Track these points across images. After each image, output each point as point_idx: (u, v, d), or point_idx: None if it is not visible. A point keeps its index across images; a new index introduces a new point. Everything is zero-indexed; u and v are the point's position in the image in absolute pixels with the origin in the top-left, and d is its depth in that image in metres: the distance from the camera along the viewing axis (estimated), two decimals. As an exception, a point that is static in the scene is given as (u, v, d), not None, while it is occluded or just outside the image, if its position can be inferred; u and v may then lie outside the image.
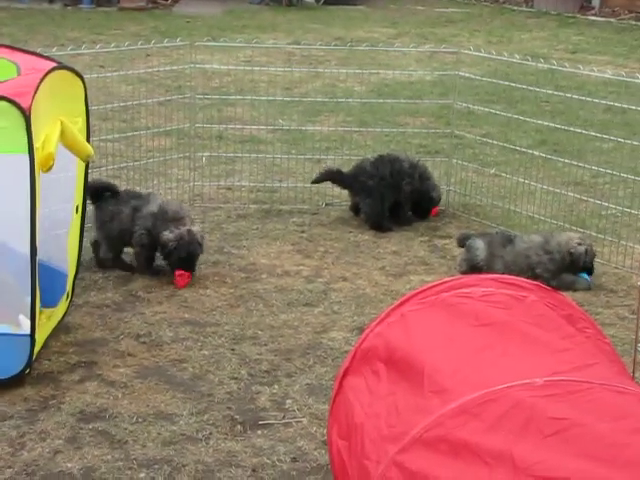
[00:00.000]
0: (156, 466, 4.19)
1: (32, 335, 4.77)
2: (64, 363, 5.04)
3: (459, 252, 6.44)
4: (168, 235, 5.92)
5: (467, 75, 8.13)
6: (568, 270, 6.14)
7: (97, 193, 6.28)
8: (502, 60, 8.61)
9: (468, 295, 3.35)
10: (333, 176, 7.38)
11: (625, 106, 7.94)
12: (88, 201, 5.87)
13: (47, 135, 4.62)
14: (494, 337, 3.16)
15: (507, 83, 8.53)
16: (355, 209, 7.39)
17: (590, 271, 6.21)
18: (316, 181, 7.36)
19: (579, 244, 6.15)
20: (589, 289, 6.13)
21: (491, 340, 3.15)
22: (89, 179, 5.76)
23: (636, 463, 2.49)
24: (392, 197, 7.25)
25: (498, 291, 3.39)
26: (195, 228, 6.11)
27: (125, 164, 7.68)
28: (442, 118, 9.44)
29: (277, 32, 13.91)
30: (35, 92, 4.55)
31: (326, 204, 7.53)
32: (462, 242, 6.49)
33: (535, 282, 3.64)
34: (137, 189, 6.79)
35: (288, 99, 9.58)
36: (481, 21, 15.85)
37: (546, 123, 8.10)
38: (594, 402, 2.75)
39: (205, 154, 8.04)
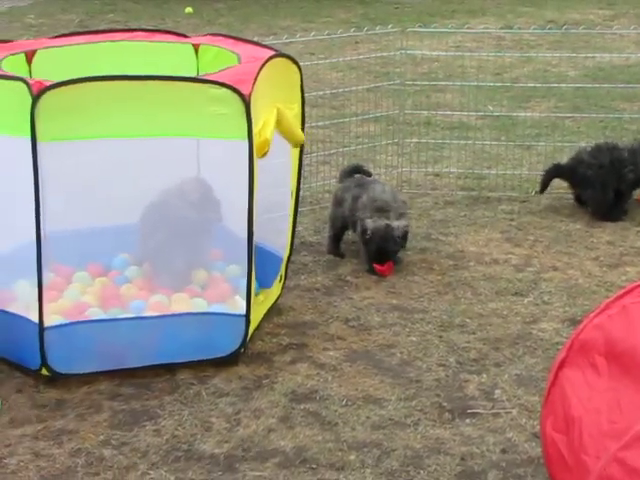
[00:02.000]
0: (365, 449, 4.23)
1: (247, 316, 4.91)
2: (276, 344, 5.17)
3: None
4: (368, 224, 5.95)
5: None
6: None
7: (347, 174, 6.59)
8: None
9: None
10: (552, 174, 7.20)
11: None
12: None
13: (264, 122, 4.74)
14: None
15: None
16: (579, 200, 7.22)
17: None
18: (542, 190, 7.24)
19: None
20: None
21: None
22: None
23: None
24: (614, 186, 6.98)
25: None
26: (397, 223, 6.03)
27: (335, 150, 7.81)
28: (662, 103, 9.08)
29: (487, 16, 13.72)
30: (255, 80, 4.67)
31: (536, 192, 7.38)
32: None
33: None
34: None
35: (498, 84, 9.46)
36: None
37: None
38: None
39: (413, 140, 8.03)
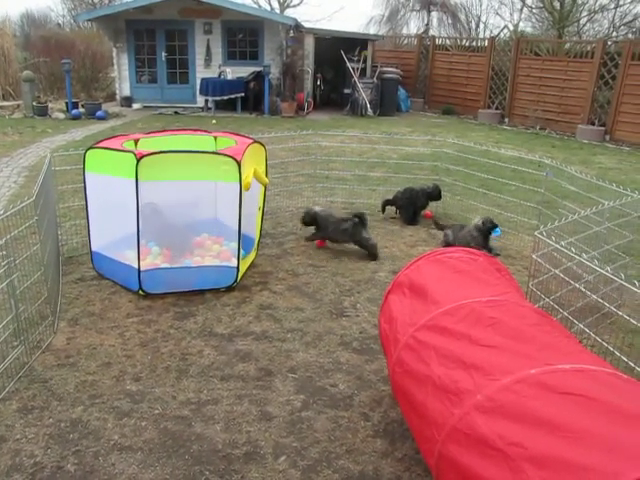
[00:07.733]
0: (295, 331, 4.23)
1: (238, 267, 4.86)
2: (252, 282, 5.12)
3: (440, 235, 6.26)
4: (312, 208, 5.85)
5: (449, 152, 7.84)
6: (485, 237, 5.57)
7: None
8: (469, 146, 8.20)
9: (450, 257, 3.28)
10: (385, 203, 6.97)
11: None
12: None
13: (247, 174, 4.68)
14: (462, 277, 3.09)
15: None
16: (400, 215, 7.03)
17: (494, 229, 5.58)
18: (382, 210, 7.03)
19: (480, 221, 5.63)
20: (499, 248, 5.60)
21: (460, 278, 3.09)
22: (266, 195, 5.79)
23: (530, 339, 2.45)
24: (412, 208, 6.84)
25: (465, 256, 3.32)
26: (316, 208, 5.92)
27: (282, 189, 7.59)
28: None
29: (355, 128, 13.64)
30: (243, 153, 4.62)
31: (379, 211, 7.17)
32: (442, 229, 6.27)
33: (481, 251, 3.52)
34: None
35: (360, 160, 9.48)
36: (452, 126, 15.35)
37: None
38: (510, 310, 2.69)
39: (320, 185, 7.90)
